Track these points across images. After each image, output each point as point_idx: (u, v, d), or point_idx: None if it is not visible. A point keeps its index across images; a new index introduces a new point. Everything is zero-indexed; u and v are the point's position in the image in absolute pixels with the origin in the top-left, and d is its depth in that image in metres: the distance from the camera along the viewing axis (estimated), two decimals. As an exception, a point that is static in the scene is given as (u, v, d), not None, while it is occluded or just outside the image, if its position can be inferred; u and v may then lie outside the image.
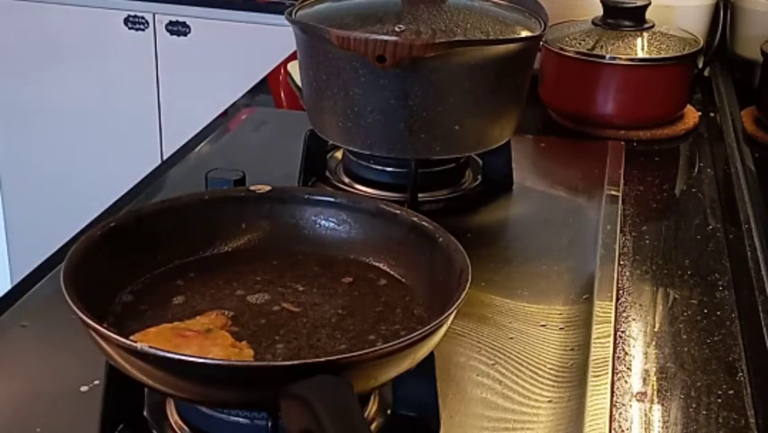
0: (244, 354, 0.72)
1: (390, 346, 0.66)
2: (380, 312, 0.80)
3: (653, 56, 1.39)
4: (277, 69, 1.65)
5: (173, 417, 0.75)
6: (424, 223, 0.84)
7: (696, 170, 1.34)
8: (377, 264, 0.86)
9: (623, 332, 0.92)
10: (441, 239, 0.81)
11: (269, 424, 0.67)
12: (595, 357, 0.85)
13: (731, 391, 0.84)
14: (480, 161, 1.20)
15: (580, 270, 1.01)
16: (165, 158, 1.33)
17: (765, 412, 0.80)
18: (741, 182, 1.19)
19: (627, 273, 1.03)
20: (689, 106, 1.48)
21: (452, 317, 0.71)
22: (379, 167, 1.16)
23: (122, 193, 1.17)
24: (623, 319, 0.94)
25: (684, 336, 0.92)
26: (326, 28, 1.04)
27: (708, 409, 0.82)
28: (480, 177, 1.20)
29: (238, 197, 0.89)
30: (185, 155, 1.28)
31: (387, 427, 0.75)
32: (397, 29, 1.05)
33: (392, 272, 0.85)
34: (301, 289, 0.83)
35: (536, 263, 1.03)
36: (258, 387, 0.65)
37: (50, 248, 1.00)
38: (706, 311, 0.97)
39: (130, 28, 2.39)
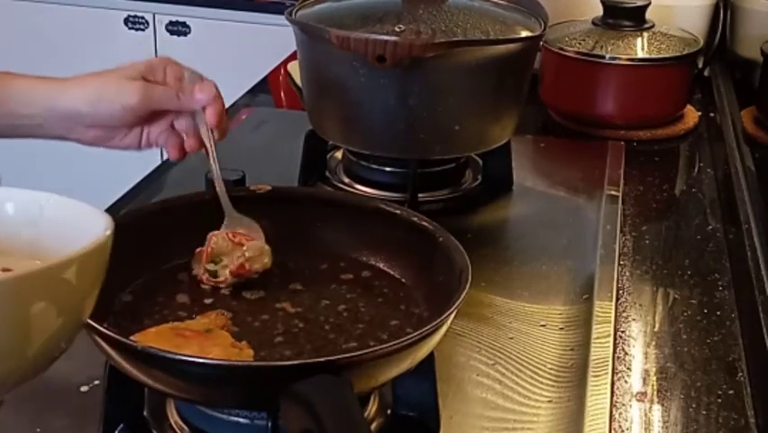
0: (244, 354, 0.72)
1: (390, 346, 0.66)
2: (380, 312, 0.80)
3: (653, 56, 1.39)
4: (277, 69, 1.65)
5: (173, 417, 0.75)
6: (424, 223, 0.84)
7: (696, 170, 1.34)
8: (377, 264, 0.86)
9: (623, 332, 0.92)
10: (441, 239, 0.81)
11: (269, 424, 0.67)
12: (595, 357, 0.85)
13: (731, 391, 0.84)
14: (480, 161, 1.20)
15: (580, 270, 1.01)
16: (165, 158, 1.33)
17: (765, 412, 0.80)
18: (741, 182, 1.19)
19: (627, 273, 1.03)
20: (689, 106, 1.48)
21: (452, 317, 0.71)
22: (379, 167, 1.16)
23: (122, 193, 1.17)
24: (623, 319, 0.94)
25: (684, 336, 0.92)
26: (326, 28, 1.04)
27: (708, 409, 0.82)
28: (480, 177, 1.20)
29: (238, 197, 0.89)
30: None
31: (387, 427, 0.75)
32: (397, 29, 1.05)
33: (392, 272, 0.85)
34: (301, 288, 0.83)
35: (536, 264, 1.03)
36: (258, 387, 0.66)
37: (50, 248, 1.00)
38: (706, 311, 0.97)
39: (130, 28, 2.39)
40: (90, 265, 0.57)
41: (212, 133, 0.91)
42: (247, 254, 0.83)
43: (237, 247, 0.83)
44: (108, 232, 0.58)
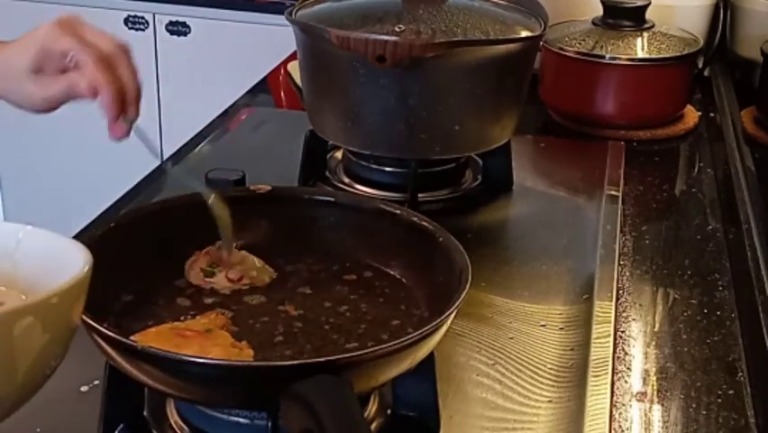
0: (244, 354, 0.72)
1: (390, 346, 0.66)
2: (380, 312, 0.80)
3: (653, 56, 1.39)
4: (277, 69, 1.65)
5: (173, 417, 0.75)
6: (424, 223, 0.84)
7: (696, 170, 1.34)
8: (377, 264, 0.86)
9: (623, 332, 0.92)
10: (441, 239, 0.81)
11: (269, 424, 0.67)
12: (595, 357, 0.85)
13: (731, 391, 0.84)
14: (480, 161, 1.20)
15: (580, 270, 1.01)
16: (165, 158, 1.33)
17: (765, 412, 0.80)
18: (741, 182, 1.19)
19: (627, 273, 1.03)
20: (689, 106, 1.48)
21: (452, 317, 0.71)
22: (379, 167, 1.16)
23: (122, 193, 1.17)
24: (623, 319, 0.94)
25: (684, 336, 0.92)
26: (326, 28, 1.04)
27: (708, 409, 0.82)
28: (480, 177, 1.20)
29: (238, 197, 0.89)
30: (185, 155, 1.28)
31: (387, 427, 0.75)
32: (397, 29, 1.05)
33: (392, 272, 0.85)
34: (301, 289, 0.83)
35: (536, 264, 1.03)
36: (258, 387, 0.66)
37: (50, 248, 1.00)
38: (706, 311, 0.97)
39: (130, 28, 2.39)
40: (70, 300, 0.57)
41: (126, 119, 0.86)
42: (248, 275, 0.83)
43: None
44: (87, 267, 0.58)
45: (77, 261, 0.59)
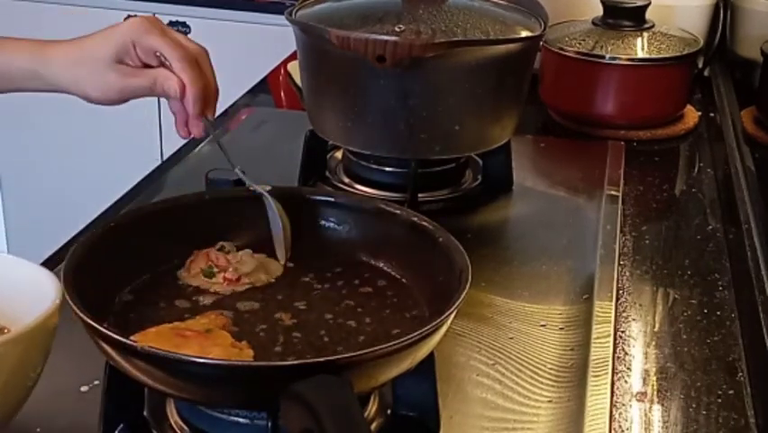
0: (244, 354, 0.72)
1: (390, 346, 0.66)
2: (380, 312, 0.80)
3: (653, 56, 1.39)
4: (277, 69, 1.65)
5: (173, 417, 0.75)
6: (424, 223, 0.84)
7: (696, 170, 1.34)
8: (377, 264, 0.86)
9: (623, 332, 0.92)
10: (441, 239, 0.81)
11: (269, 424, 0.67)
12: (595, 357, 0.85)
13: (731, 391, 0.84)
14: (480, 161, 1.20)
15: (580, 270, 1.01)
16: (165, 158, 1.33)
17: (765, 412, 0.80)
18: (741, 182, 1.19)
19: (627, 273, 1.03)
20: (689, 106, 1.48)
21: (452, 317, 0.71)
22: (379, 167, 1.16)
23: (122, 193, 1.17)
24: (623, 319, 0.94)
25: (684, 336, 0.92)
26: (326, 28, 1.04)
27: (708, 409, 0.82)
28: (480, 177, 1.20)
29: (238, 197, 0.89)
30: (185, 155, 1.28)
31: (387, 427, 0.75)
32: (397, 29, 1.05)
33: (392, 272, 0.85)
34: (300, 289, 0.83)
35: (536, 264, 1.03)
36: (258, 387, 0.66)
37: (50, 248, 1.00)
38: (706, 311, 0.97)
39: (130, 28, 2.39)
40: (42, 330, 0.57)
41: (207, 118, 0.91)
42: (243, 269, 0.83)
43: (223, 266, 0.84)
44: (58, 301, 0.58)
45: (46, 289, 0.59)
